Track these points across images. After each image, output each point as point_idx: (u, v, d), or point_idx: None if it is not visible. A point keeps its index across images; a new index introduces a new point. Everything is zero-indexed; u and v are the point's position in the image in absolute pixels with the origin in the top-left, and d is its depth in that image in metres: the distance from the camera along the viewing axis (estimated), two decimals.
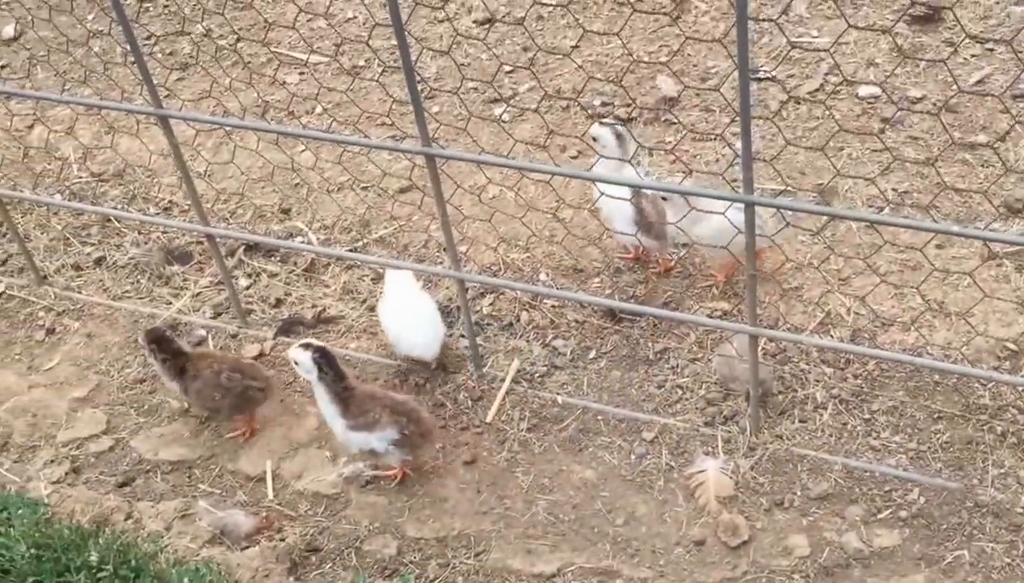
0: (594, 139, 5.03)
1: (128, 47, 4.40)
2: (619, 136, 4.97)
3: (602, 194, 4.93)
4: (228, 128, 6.10)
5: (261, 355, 5.24)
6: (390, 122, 6.36)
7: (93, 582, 3.66)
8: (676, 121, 6.32)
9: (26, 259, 5.68)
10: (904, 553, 4.12)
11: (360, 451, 4.50)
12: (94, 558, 3.71)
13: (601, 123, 5.06)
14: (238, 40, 7.57)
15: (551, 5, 7.16)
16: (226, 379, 4.70)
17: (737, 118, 3.62)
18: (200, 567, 3.86)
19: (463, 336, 5.19)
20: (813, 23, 6.97)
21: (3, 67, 7.58)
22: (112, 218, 6.09)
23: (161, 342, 4.74)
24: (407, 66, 3.91)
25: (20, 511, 4.13)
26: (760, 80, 6.50)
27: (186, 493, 4.62)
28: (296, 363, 4.38)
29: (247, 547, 4.33)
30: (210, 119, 5.46)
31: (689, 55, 6.83)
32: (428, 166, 4.28)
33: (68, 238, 6.08)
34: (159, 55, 7.47)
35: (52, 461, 4.75)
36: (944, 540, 4.13)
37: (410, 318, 4.95)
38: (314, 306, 5.49)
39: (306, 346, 4.37)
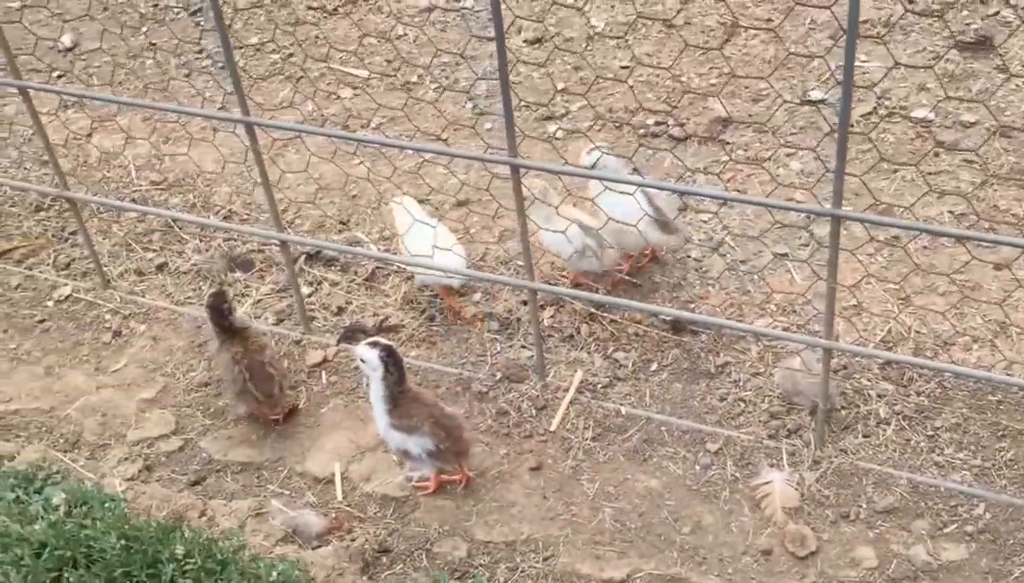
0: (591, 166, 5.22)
1: (209, 59, 4.53)
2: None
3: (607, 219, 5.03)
4: (305, 134, 6.21)
5: (324, 361, 5.34)
6: (444, 138, 6.49)
7: (181, 573, 3.74)
8: (729, 142, 6.43)
9: (93, 262, 5.79)
10: (971, 567, 4.19)
11: (396, 450, 4.60)
12: (180, 550, 3.80)
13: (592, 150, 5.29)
14: (289, 56, 7.73)
15: (600, 28, 7.32)
16: (238, 371, 4.84)
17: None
18: (279, 563, 3.95)
19: (524, 347, 5.30)
20: (863, 47, 7.10)
21: (61, 76, 7.72)
22: (174, 223, 6.21)
23: (214, 312, 4.88)
24: (504, 80, 4.04)
25: (103, 505, 4.22)
26: (812, 103, 6.62)
27: (256, 493, 4.71)
28: (363, 360, 4.46)
29: (318, 546, 4.41)
30: (295, 127, 5.55)
31: (741, 77, 6.96)
32: (512, 177, 4.40)
33: (131, 243, 6.20)
34: (211, 69, 7.62)
35: (125, 459, 4.84)
36: (1011, 555, 4.20)
37: (435, 246, 5.10)
38: (375, 314, 5.59)
39: (374, 344, 4.46)
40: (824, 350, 4.35)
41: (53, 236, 6.36)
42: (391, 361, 4.44)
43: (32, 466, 4.58)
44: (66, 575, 3.82)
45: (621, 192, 4.96)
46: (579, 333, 5.38)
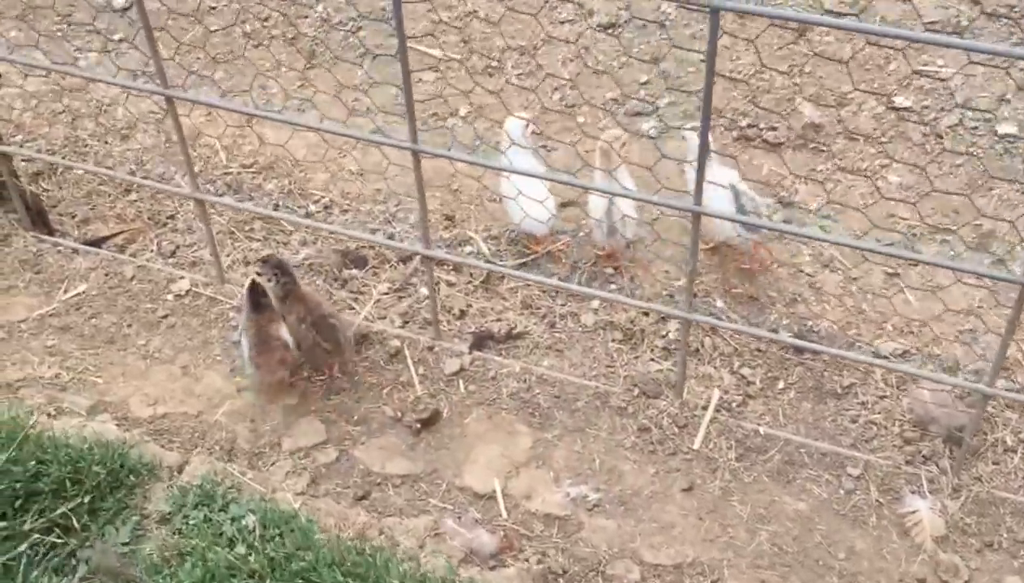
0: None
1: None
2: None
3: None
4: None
5: (461, 370, 5.55)
6: (539, 131, 6.65)
7: None
8: (825, 149, 6.74)
9: (212, 255, 5.88)
10: None
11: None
12: None
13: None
14: (358, 29, 7.76)
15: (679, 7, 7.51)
16: (304, 329, 5.20)
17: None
18: None
19: (653, 360, 5.59)
20: (935, 50, 7.43)
21: (121, 40, 7.65)
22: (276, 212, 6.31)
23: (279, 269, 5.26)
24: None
25: (288, 525, 4.43)
26: (898, 110, 6.95)
27: (422, 508, 4.95)
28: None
29: (494, 567, 4.70)
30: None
31: (821, 77, 7.24)
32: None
33: (233, 231, 6.29)
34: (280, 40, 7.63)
35: (292, 472, 5.03)
36: None
37: (526, 191, 5.58)
38: (498, 319, 5.82)
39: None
40: (982, 396, 4.74)
41: (149, 218, 6.41)
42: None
43: (207, 481, 4.74)
44: None
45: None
46: (703, 347, 5.68)
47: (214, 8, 8.06)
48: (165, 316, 5.79)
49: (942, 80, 7.17)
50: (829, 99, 7.09)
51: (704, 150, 4.34)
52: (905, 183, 6.49)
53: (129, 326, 5.74)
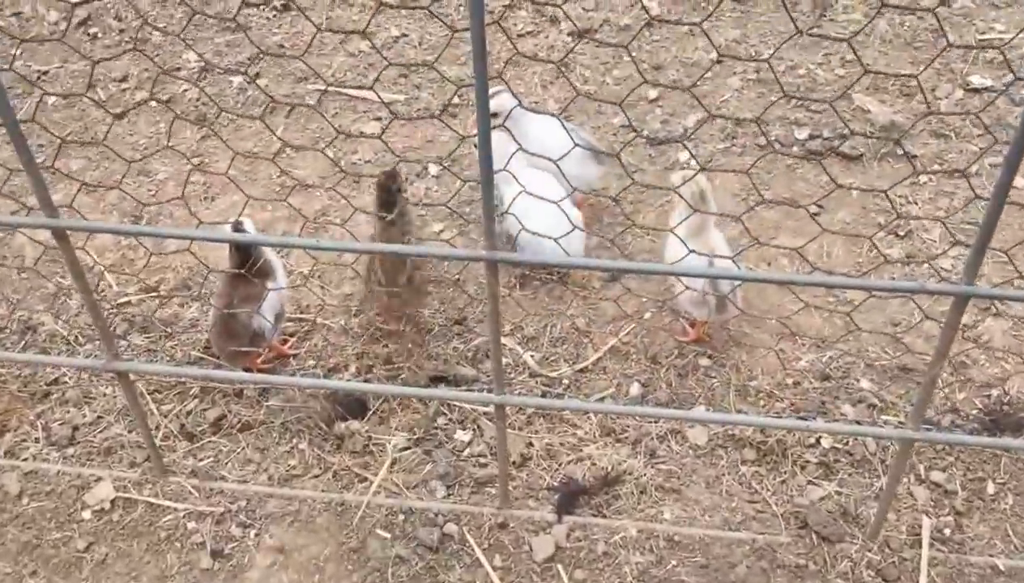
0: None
1: None
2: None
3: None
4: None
5: (558, 551, 3.85)
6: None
7: None
8: (911, 155, 5.31)
9: (142, 437, 4.01)
10: None
11: None
12: None
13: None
14: (256, 76, 5.94)
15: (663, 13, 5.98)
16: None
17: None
18: None
19: (812, 483, 4.03)
20: (986, 12, 6.14)
21: None
22: (207, 353, 4.46)
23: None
24: None
25: None
26: (977, 92, 5.60)
27: None
28: None
29: None
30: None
31: (867, 63, 5.84)
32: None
33: (157, 391, 4.42)
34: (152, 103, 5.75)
35: None
36: None
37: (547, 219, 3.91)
38: (577, 460, 4.14)
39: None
40: None
41: (21, 391, 4.46)
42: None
43: None
44: None
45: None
46: (865, 450, 4.16)
47: (44, 73, 6.09)
48: (87, 548, 3.87)
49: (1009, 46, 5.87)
50: (888, 88, 5.67)
51: None
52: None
53: (33, 574, 3.79)
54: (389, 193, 4.31)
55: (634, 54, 5.92)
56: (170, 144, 5.51)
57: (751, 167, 2.82)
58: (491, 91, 4.45)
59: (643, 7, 6.12)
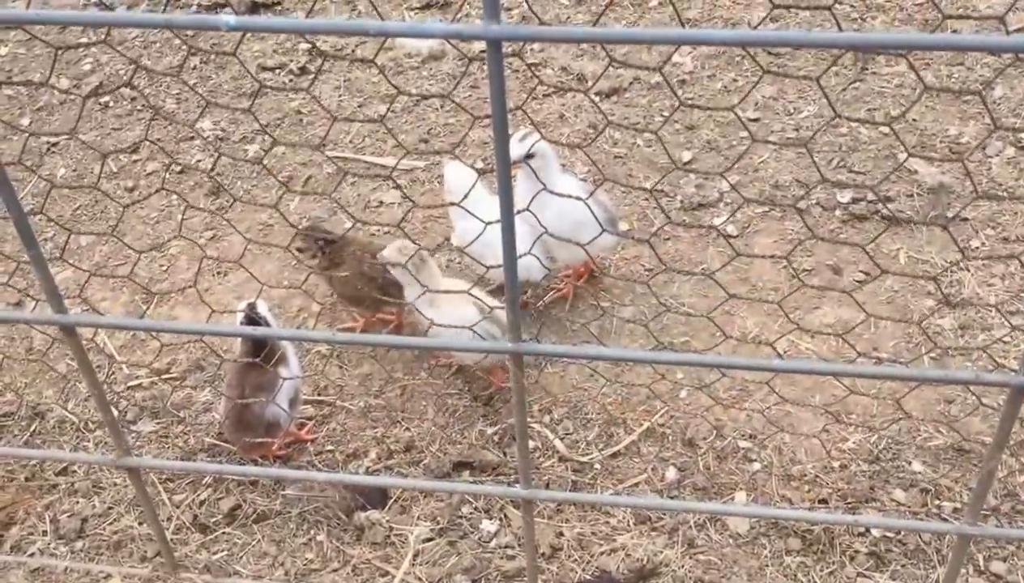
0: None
1: None
2: None
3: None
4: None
5: None
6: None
7: None
8: (961, 218, 5.16)
9: (153, 531, 3.88)
10: None
11: None
12: None
13: None
14: (272, 144, 5.87)
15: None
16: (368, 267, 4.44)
17: None
18: None
19: (862, 575, 3.85)
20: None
21: None
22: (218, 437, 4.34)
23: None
24: None
25: None
26: None
27: None
28: None
29: None
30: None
31: (914, 120, 5.71)
32: None
33: (169, 480, 4.30)
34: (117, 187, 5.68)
35: None
36: None
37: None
38: (611, 550, 3.98)
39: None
40: None
41: (29, 480, 4.35)
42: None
43: None
44: None
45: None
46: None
47: (54, 145, 6.04)
48: None
49: None
50: (937, 147, 5.53)
51: None
52: None
53: None
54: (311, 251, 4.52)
55: (666, 115, 5.82)
56: (183, 217, 5.44)
57: (790, 252, 2.69)
58: (527, 134, 4.39)
59: (673, 63, 6.02)
